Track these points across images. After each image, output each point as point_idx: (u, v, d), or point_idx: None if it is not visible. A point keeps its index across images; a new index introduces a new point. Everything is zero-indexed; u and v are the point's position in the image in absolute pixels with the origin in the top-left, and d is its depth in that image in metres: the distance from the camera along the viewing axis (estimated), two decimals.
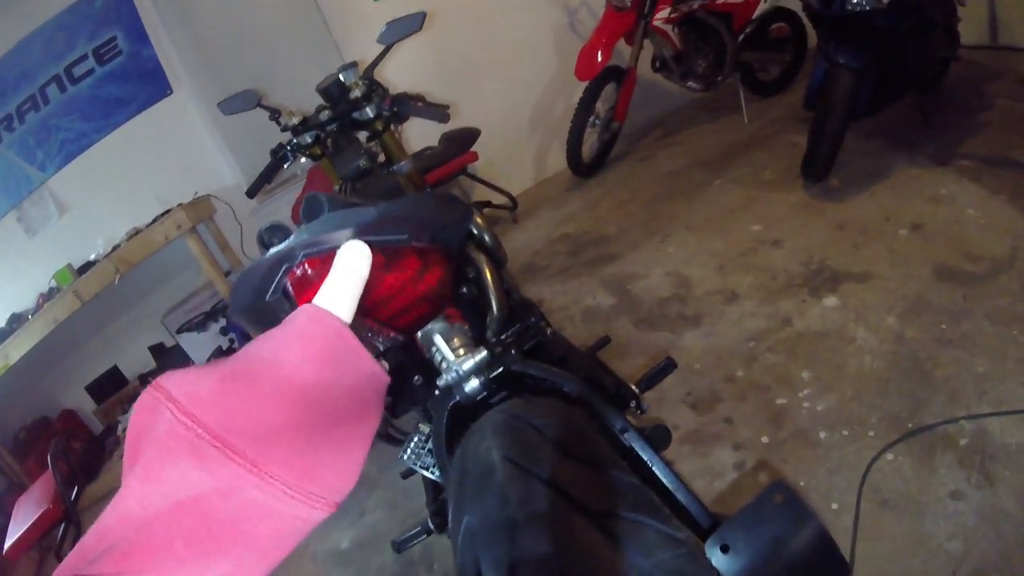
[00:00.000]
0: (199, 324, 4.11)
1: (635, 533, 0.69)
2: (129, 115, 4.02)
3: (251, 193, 2.24)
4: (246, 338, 3.61)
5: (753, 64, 4.38)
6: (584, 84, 4.01)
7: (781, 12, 4.19)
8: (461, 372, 0.98)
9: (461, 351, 1.00)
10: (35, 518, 3.04)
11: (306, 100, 2.04)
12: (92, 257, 3.85)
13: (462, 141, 3.87)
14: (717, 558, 0.77)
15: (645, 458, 0.93)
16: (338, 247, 0.57)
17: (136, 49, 3.95)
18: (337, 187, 1.89)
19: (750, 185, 3.45)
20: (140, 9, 3.91)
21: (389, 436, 1.50)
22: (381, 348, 0.69)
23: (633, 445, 0.94)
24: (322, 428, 0.44)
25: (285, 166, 2.08)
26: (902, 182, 2.89)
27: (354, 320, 0.51)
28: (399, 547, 1.38)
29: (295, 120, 1.96)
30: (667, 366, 1.38)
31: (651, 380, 1.37)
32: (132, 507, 0.39)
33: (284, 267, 0.63)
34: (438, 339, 1.02)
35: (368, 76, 1.92)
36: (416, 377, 1.20)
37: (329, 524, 2.40)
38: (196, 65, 4.03)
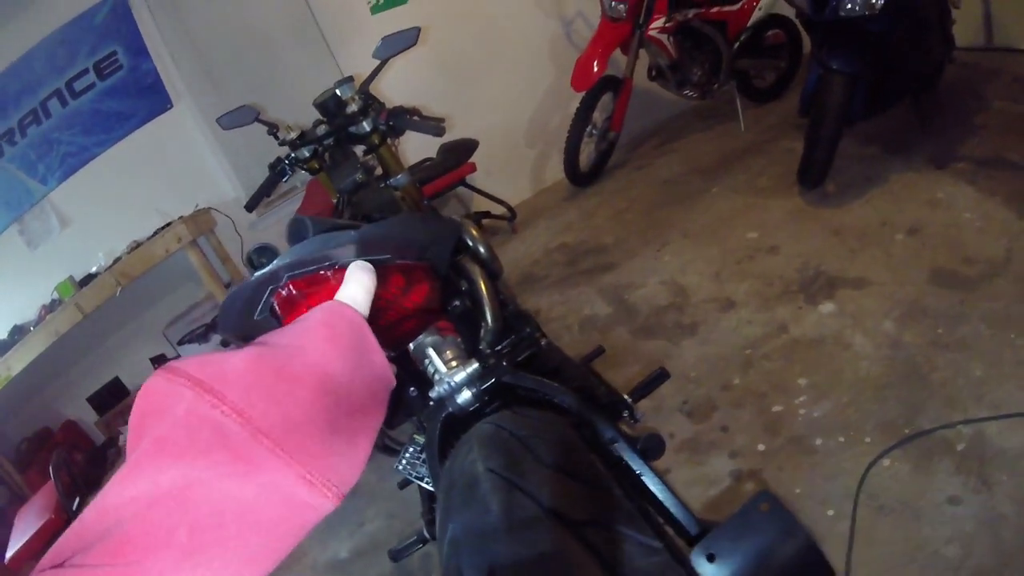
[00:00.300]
0: (200, 336, 4.12)
1: (614, 543, 0.70)
2: (129, 129, 4.04)
3: (250, 207, 2.26)
4: None
5: (749, 71, 4.40)
6: (581, 95, 4.03)
7: (776, 19, 4.21)
8: (453, 384, 0.99)
9: (453, 363, 1.01)
10: (37, 528, 3.05)
11: (304, 114, 2.06)
12: (93, 270, 3.87)
13: (460, 152, 3.90)
14: (703, 567, 0.78)
15: (634, 467, 0.94)
16: (320, 269, 0.60)
17: (136, 63, 3.98)
18: (335, 200, 1.91)
19: (746, 192, 3.46)
20: (140, 24, 3.93)
21: (385, 447, 1.51)
22: None
23: (622, 455, 0.95)
24: (339, 417, 0.44)
25: (284, 180, 2.10)
26: (899, 186, 2.89)
27: None
28: (396, 556, 1.39)
29: (293, 135, 1.99)
30: (660, 376, 1.39)
31: (644, 390, 1.38)
32: (136, 489, 0.38)
33: (270, 288, 0.65)
34: (431, 351, 1.03)
35: (364, 90, 1.94)
36: (411, 388, 1.21)
37: (328, 534, 2.41)
38: (195, 80, 4.05)
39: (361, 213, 1.76)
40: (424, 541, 1.35)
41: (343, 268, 0.63)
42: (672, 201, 3.76)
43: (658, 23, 3.88)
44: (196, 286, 4.15)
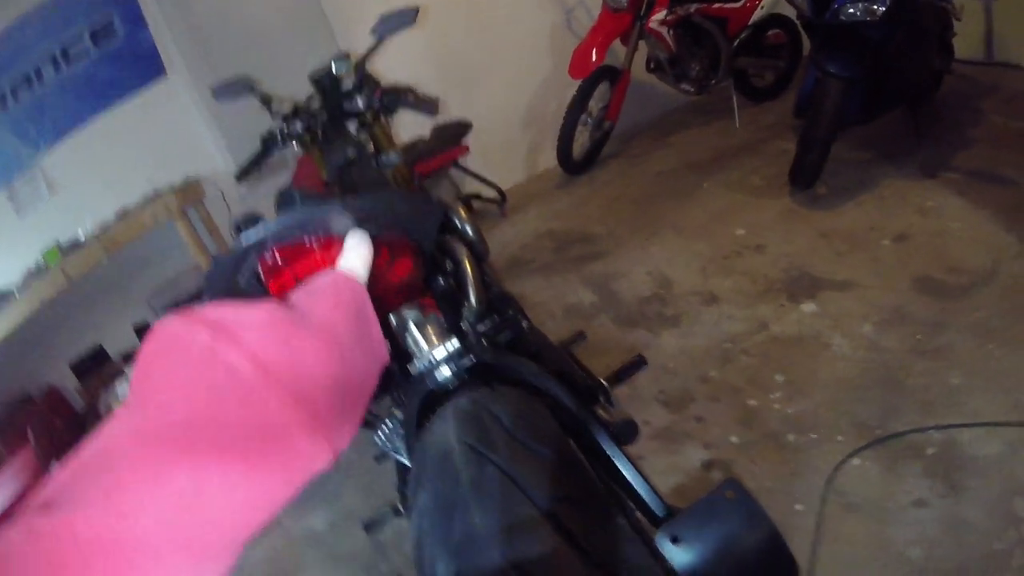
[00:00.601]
0: (185, 305, 4.10)
1: (581, 518, 0.71)
2: (123, 97, 4.01)
3: (240, 178, 2.26)
4: None
5: (747, 70, 4.40)
6: (578, 83, 4.02)
7: (778, 19, 4.21)
8: (433, 360, 1.00)
9: (435, 340, 1.03)
10: (13, 492, 3.04)
11: (300, 89, 2.05)
12: (81, 237, 3.84)
13: (453, 134, 3.89)
14: (668, 548, 0.79)
15: (607, 450, 0.95)
16: (305, 238, 0.61)
17: (132, 31, 3.94)
18: (325, 175, 1.91)
19: (738, 189, 3.48)
20: None
21: (364, 420, 1.52)
22: None
23: (596, 437, 0.96)
24: (341, 380, 0.45)
25: (275, 153, 2.10)
26: (889, 193, 2.92)
27: None
28: (369, 528, 1.40)
29: (286, 108, 1.98)
30: (638, 363, 1.41)
31: (621, 375, 1.40)
32: (137, 423, 0.38)
33: (255, 254, 0.66)
34: (412, 327, 1.04)
35: (360, 67, 1.93)
36: (391, 363, 1.22)
37: (304, 505, 2.42)
38: (191, 50, 4.01)
39: (352, 189, 1.76)
40: (398, 513, 1.36)
41: (327, 239, 0.64)
42: (663, 194, 3.77)
43: (659, 16, 3.88)
44: (183, 256, 4.12)
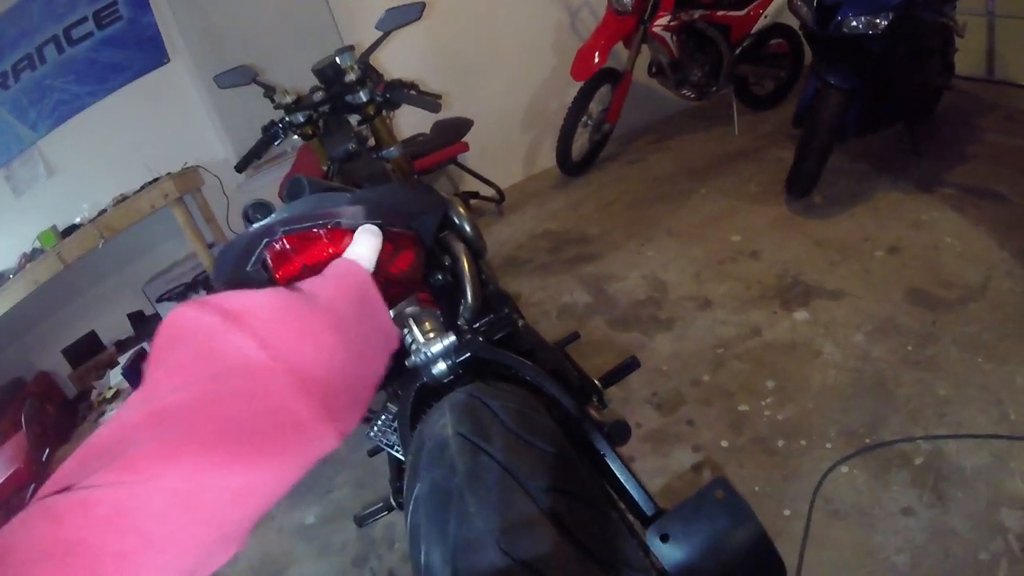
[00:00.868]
0: (180, 294, 4.10)
1: (572, 510, 0.72)
2: (124, 81, 3.99)
3: (240, 167, 2.26)
4: None
5: (748, 77, 4.42)
6: (579, 84, 4.03)
7: (781, 28, 4.22)
8: (430, 354, 1.00)
9: (431, 334, 1.03)
10: (5, 477, 3.04)
11: (302, 80, 2.05)
12: (77, 220, 3.82)
13: (454, 131, 3.90)
14: (657, 546, 0.80)
15: (599, 448, 0.96)
16: (315, 226, 0.62)
17: (136, 15, 3.93)
18: (325, 167, 1.91)
19: (734, 196, 3.50)
20: None
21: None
22: None
23: (588, 436, 0.97)
24: (347, 364, 0.46)
25: (275, 143, 2.10)
26: (884, 205, 2.94)
27: None
28: (360, 521, 1.41)
29: (289, 99, 1.98)
30: (631, 364, 1.42)
31: (614, 376, 1.41)
32: (154, 406, 0.39)
33: (264, 241, 0.67)
34: (410, 321, 1.04)
35: (363, 61, 1.94)
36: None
37: (296, 499, 2.43)
38: (195, 36, 4.01)
39: (351, 182, 1.77)
40: (390, 509, 1.37)
41: (336, 227, 0.65)
42: (660, 198, 3.78)
43: (663, 20, 3.88)
44: (179, 244, 4.12)
